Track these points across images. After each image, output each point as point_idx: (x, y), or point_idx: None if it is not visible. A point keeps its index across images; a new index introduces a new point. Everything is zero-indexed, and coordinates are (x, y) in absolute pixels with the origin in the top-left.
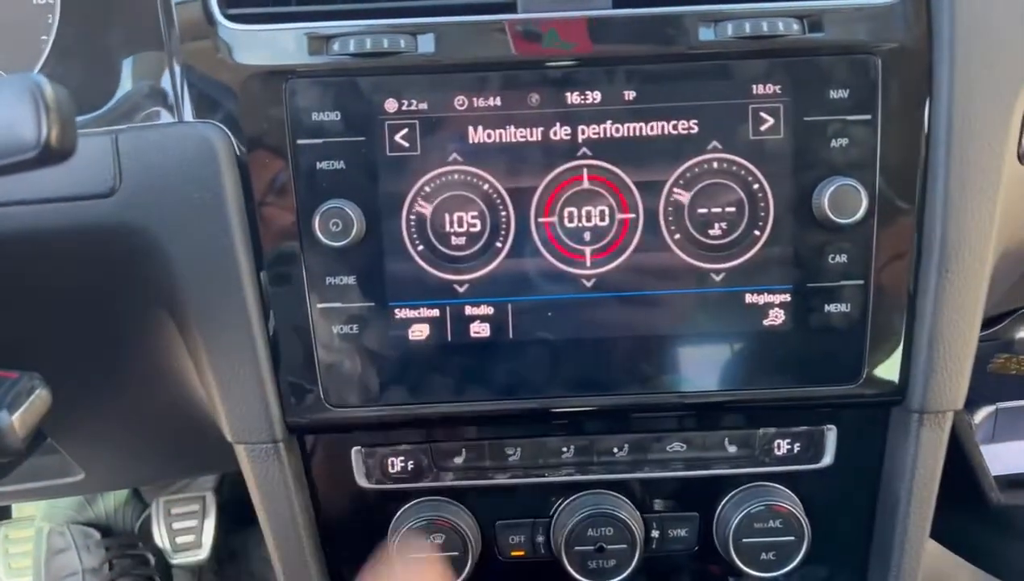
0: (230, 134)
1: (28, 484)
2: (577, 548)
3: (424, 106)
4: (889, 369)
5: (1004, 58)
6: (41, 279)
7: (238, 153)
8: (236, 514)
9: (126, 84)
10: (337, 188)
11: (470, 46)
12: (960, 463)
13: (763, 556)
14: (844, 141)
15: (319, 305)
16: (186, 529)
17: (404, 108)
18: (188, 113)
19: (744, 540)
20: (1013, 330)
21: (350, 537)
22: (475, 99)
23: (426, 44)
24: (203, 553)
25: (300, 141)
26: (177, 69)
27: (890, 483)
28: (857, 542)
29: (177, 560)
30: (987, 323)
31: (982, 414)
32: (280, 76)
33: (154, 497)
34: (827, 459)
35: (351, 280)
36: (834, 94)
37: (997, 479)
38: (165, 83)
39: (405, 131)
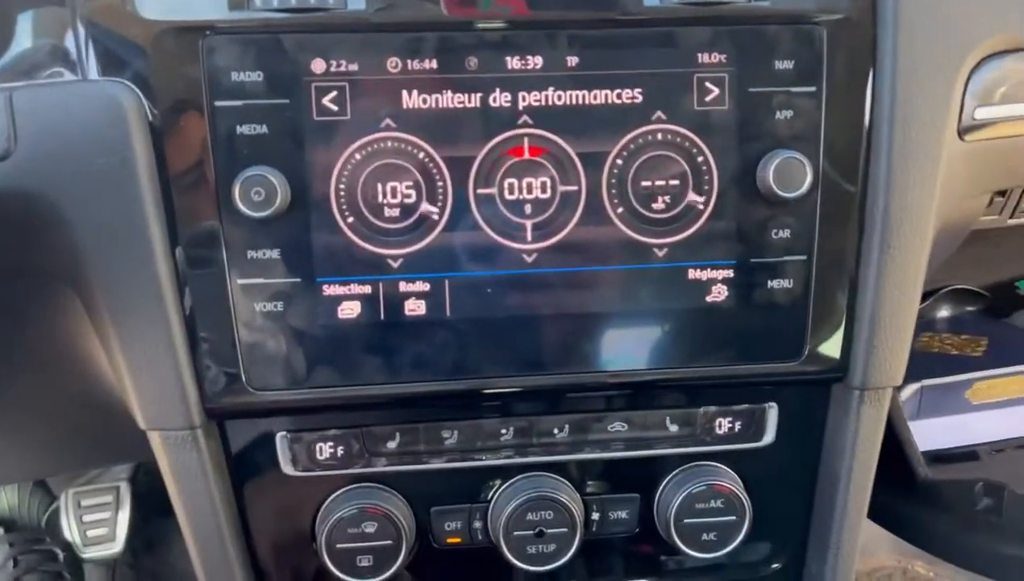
0: (140, 94)
1: None
2: (516, 533)
3: (354, 68)
4: (831, 346)
5: (947, 33)
6: None
7: (150, 116)
8: (153, 503)
9: (23, 41)
10: (259, 154)
11: (404, 5)
12: (888, 439)
13: (704, 536)
14: (789, 113)
15: (240, 281)
16: (98, 521)
17: (332, 69)
18: (93, 72)
19: (685, 520)
20: (935, 309)
21: (276, 528)
22: (409, 61)
23: (356, 1)
24: (117, 546)
25: (218, 103)
26: (80, 24)
27: (830, 460)
28: (797, 520)
29: (88, 554)
30: None
31: (908, 391)
32: (197, 32)
33: (62, 489)
34: (768, 437)
35: (275, 254)
36: (779, 65)
37: (923, 454)
38: (68, 42)
39: (333, 94)
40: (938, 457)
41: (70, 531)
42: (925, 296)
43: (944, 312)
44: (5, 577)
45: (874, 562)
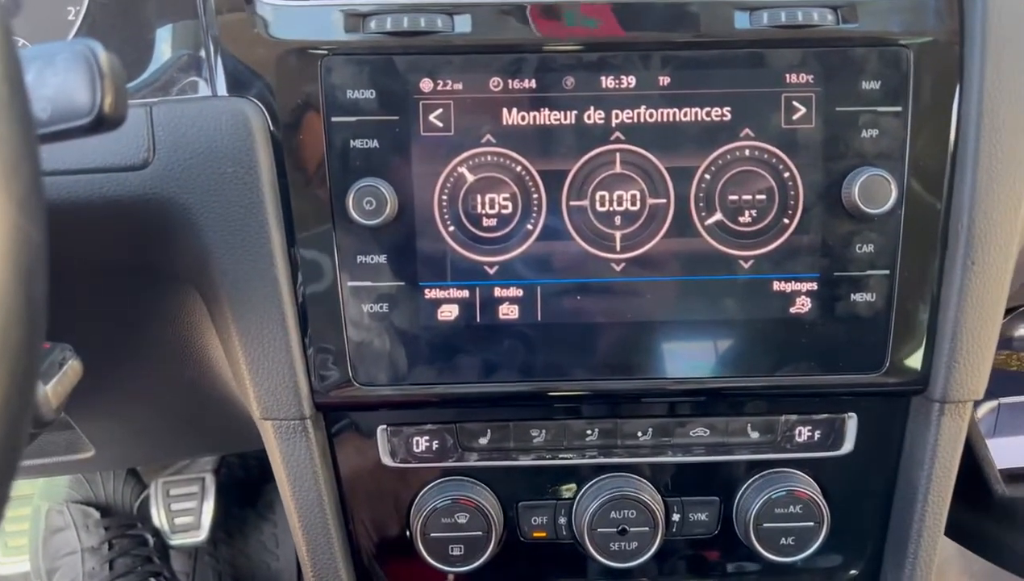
0: (264, 110)
1: (34, 460)
2: (599, 530)
3: (459, 86)
4: (912, 358)
5: None
6: (72, 251)
7: (272, 129)
8: (235, 496)
9: (161, 56)
10: (371, 166)
11: (507, 28)
12: (965, 455)
13: (783, 541)
14: (875, 132)
15: (350, 283)
16: (185, 510)
17: (439, 88)
18: (222, 87)
19: (764, 525)
20: (1013, 327)
21: (373, 515)
22: (510, 81)
23: (463, 24)
24: (202, 535)
25: (335, 119)
26: (211, 43)
27: (909, 472)
28: (874, 530)
29: (175, 541)
30: None
31: (984, 409)
32: (316, 53)
33: (152, 477)
34: (847, 446)
35: (382, 259)
36: (866, 85)
37: (1000, 472)
38: (200, 57)
39: (439, 111)
40: (1015, 475)
41: (159, 518)
42: (1004, 313)
43: (1022, 331)
44: (101, 558)
45: None
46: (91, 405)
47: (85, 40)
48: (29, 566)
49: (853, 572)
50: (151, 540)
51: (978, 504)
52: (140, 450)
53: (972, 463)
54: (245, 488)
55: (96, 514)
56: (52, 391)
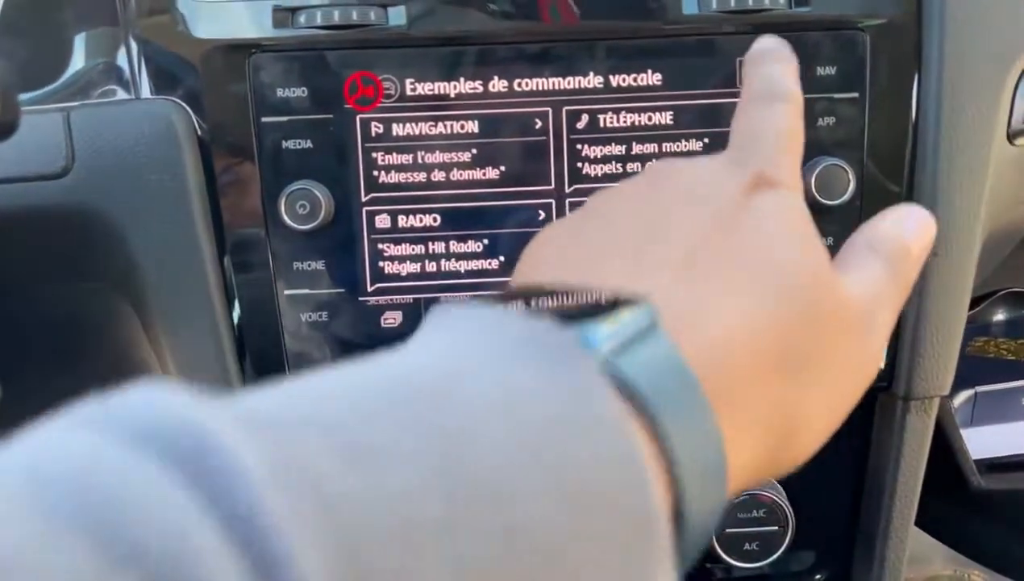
0: (190, 112)
1: None
2: None
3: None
4: None
5: (994, 36)
6: None
7: (199, 132)
8: None
9: (79, 61)
10: (304, 169)
11: (444, 20)
12: (940, 447)
13: (746, 546)
14: (831, 120)
15: (286, 291)
16: None
17: None
18: (145, 90)
19: (727, 530)
20: (991, 313)
21: None
22: (450, 76)
23: (397, 17)
24: None
25: (265, 119)
26: (133, 44)
27: (875, 470)
28: (841, 530)
29: None
30: None
31: (961, 398)
32: (243, 50)
33: None
34: None
35: (319, 265)
36: (820, 71)
37: (977, 463)
38: (121, 60)
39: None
40: (993, 466)
41: None
42: (979, 300)
43: (1000, 316)
44: None
45: (929, 571)
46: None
47: None
48: None
49: (820, 576)
50: None
51: (954, 497)
52: None
53: (947, 455)
54: None
55: None
56: None
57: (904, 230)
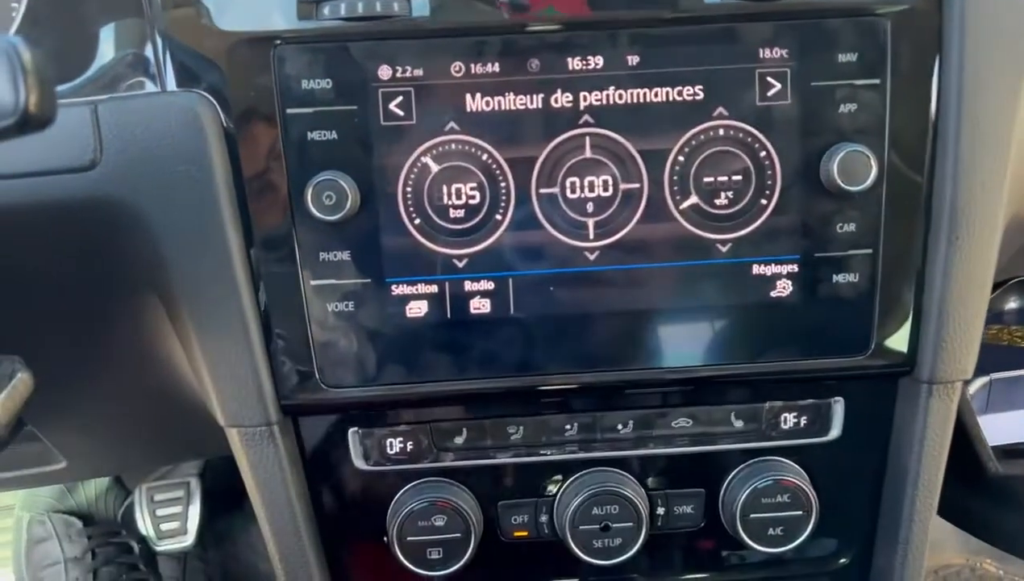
0: (216, 104)
1: (7, 473)
2: (582, 527)
3: (419, 73)
4: (898, 339)
5: (1015, 22)
6: (19, 259)
7: (225, 124)
8: (221, 499)
9: (105, 54)
10: (330, 159)
11: (466, 10)
12: (957, 433)
13: (771, 531)
14: (853, 106)
15: (312, 282)
16: (170, 516)
17: (398, 75)
18: (171, 83)
19: (752, 516)
20: (1004, 300)
21: (348, 520)
22: (472, 65)
23: (421, 7)
24: (188, 540)
25: (290, 110)
26: (159, 37)
27: (898, 455)
28: (864, 515)
29: (162, 547)
30: None
31: (976, 385)
32: (267, 42)
33: (136, 484)
34: (834, 432)
35: (346, 255)
36: (842, 58)
37: (992, 449)
38: (147, 52)
39: (400, 99)
40: (1009, 452)
41: (144, 525)
42: (994, 288)
43: (1014, 303)
44: (84, 568)
45: (942, 559)
46: (55, 416)
47: (6, 37)
48: (14, 578)
49: (843, 560)
50: (136, 547)
51: (971, 483)
52: (113, 459)
53: (964, 441)
54: (232, 491)
55: (78, 523)
56: (0, 406)
57: None
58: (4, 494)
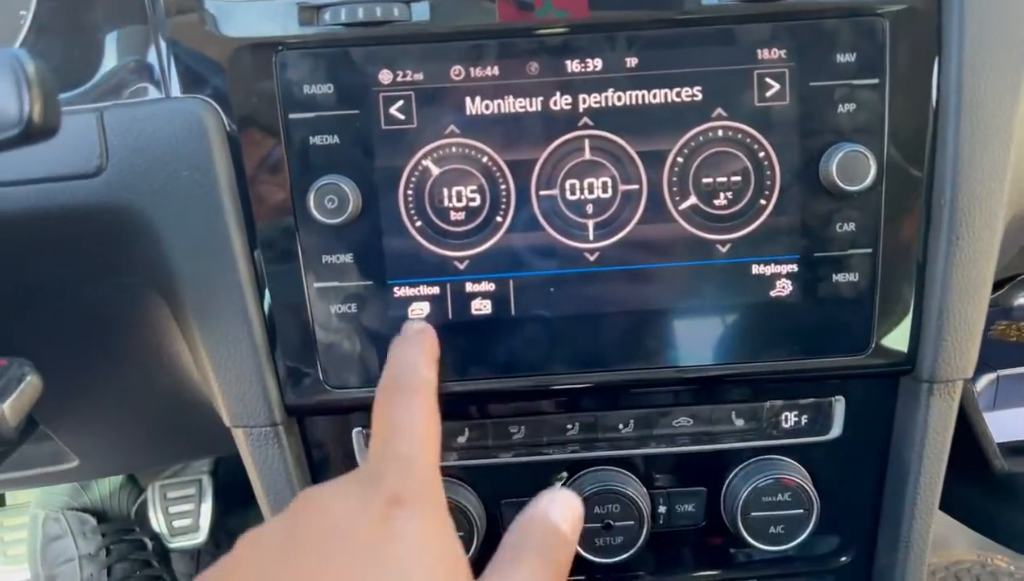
0: (219, 109)
1: (21, 472)
2: (584, 526)
3: (420, 77)
4: (898, 338)
5: (1014, 20)
6: (28, 264)
7: (228, 129)
8: (233, 496)
9: (110, 60)
10: (331, 163)
11: (466, 14)
12: (963, 430)
13: (772, 529)
14: (851, 106)
15: (316, 284)
16: (183, 513)
17: (399, 79)
18: (175, 88)
19: (753, 514)
20: (1012, 296)
21: None
22: (472, 69)
23: (420, 12)
24: (201, 536)
25: (292, 115)
26: (163, 43)
27: (899, 453)
28: (866, 513)
29: (175, 544)
30: None
31: (983, 381)
32: (269, 48)
33: (149, 481)
34: (835, 431)
35: (348, 258)
36: (841, 58)
37: (1000, 446)
38: (151, 58)
39: (400, 103)
40: (1016, 449)
41: (157, 522)
42: (1001, 284)
43: (1021, 300)
44: (99, 564)
45: (953, 556)
46: (65, 417)
47: (10, 49)
48: (29, 574)
49: (845, 558)
50: (150, 544)
51: (977, 480)
52: (125, 458)
53: (970, 438)
54: (244, 488)
55: (92, 520)
56: (10, 408)
57: (552, 515)
58: (18, 492)
